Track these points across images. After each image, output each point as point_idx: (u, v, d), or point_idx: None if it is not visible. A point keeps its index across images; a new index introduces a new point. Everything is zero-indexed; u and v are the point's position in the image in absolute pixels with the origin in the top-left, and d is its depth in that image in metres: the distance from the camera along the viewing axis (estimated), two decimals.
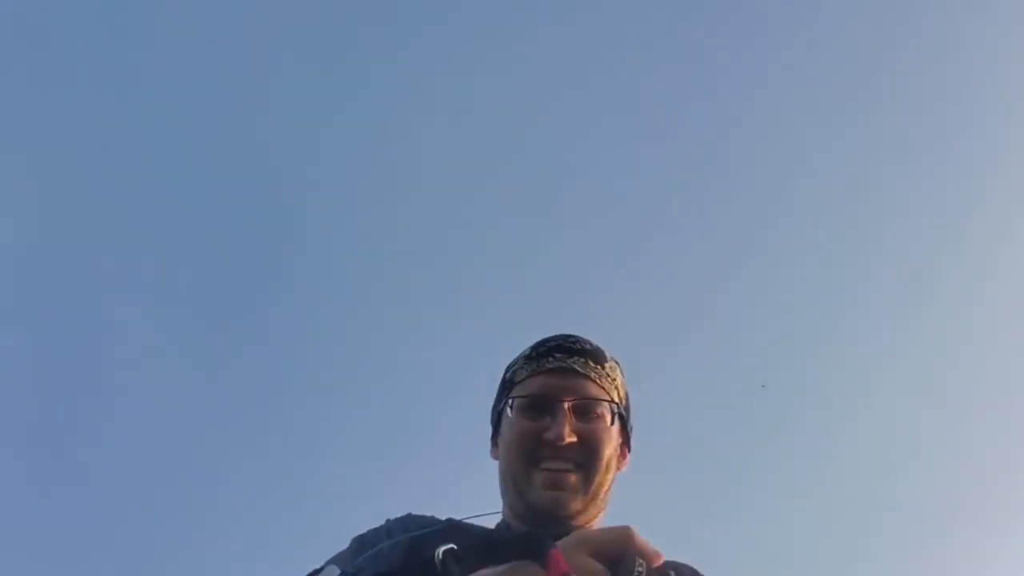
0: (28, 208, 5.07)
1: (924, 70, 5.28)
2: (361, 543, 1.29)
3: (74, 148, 5.15)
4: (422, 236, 5.34)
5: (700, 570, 1.25)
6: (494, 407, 1.45)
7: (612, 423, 1.35)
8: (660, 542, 0.92)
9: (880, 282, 5.25)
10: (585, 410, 1.33)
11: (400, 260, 5.34)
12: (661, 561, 0.90)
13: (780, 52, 5.33)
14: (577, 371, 1.36)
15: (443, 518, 1.32)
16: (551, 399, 1.33)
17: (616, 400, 1.38)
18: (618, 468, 1.39)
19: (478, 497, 1.43)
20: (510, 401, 1.36)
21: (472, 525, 1.32)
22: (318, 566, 1.25)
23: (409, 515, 1.33)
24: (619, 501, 1.39)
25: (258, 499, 4.82)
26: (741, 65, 5.32)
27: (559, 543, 0.90)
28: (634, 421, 1.45)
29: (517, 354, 1.45)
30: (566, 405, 1.32)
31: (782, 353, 5.12)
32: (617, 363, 1.44)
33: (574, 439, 1.29)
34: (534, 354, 1.40)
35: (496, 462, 1.40)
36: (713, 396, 4.90)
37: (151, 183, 5.24)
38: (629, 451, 1.44)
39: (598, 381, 1.37)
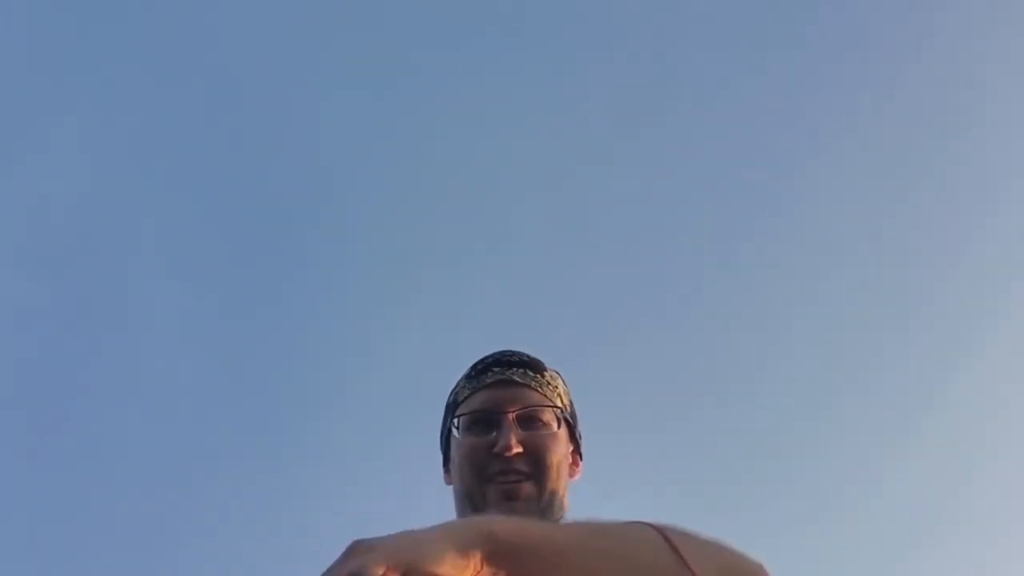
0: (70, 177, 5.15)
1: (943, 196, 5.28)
2: None
3: (123, 129, 5.31)
4: (449, 243, 5.37)
5: None
6: (441, 432, 1.46)
7: (558, 428, 1.36)
8: None
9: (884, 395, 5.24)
10: (529, 419, 1.34)
11: (420, 264, 5.35)
12: None
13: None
14: (517, 382, 1.37)
15: None
16: (495, 412, 1.34)
17: (560, 406, 1.39)
18: (571, 476, 1.39)
19: None
20: (455, 421, 1.38)
21: None
22: None
23: None
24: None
25: (254, 491, 4.83)
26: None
27: None
28: (582, 428, 1.46)
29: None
30: (510, 416, 1.32)
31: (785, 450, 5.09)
32: (558, 373, 1.45)
33: (521, 449, 1.30)
34: (474, 372, 1.41)
35: (451, 488, 1.40)
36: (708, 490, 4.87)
37: (190, 171, 5.35)
38: (581, 459, 1.44)
39: (539, 389, 1.38)
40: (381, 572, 0.79)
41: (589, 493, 1.43)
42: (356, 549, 0.83)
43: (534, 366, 1.40)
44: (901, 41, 5.42)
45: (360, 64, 5.43)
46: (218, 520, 4.71)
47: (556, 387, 1.41)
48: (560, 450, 1.35)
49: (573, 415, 1.44)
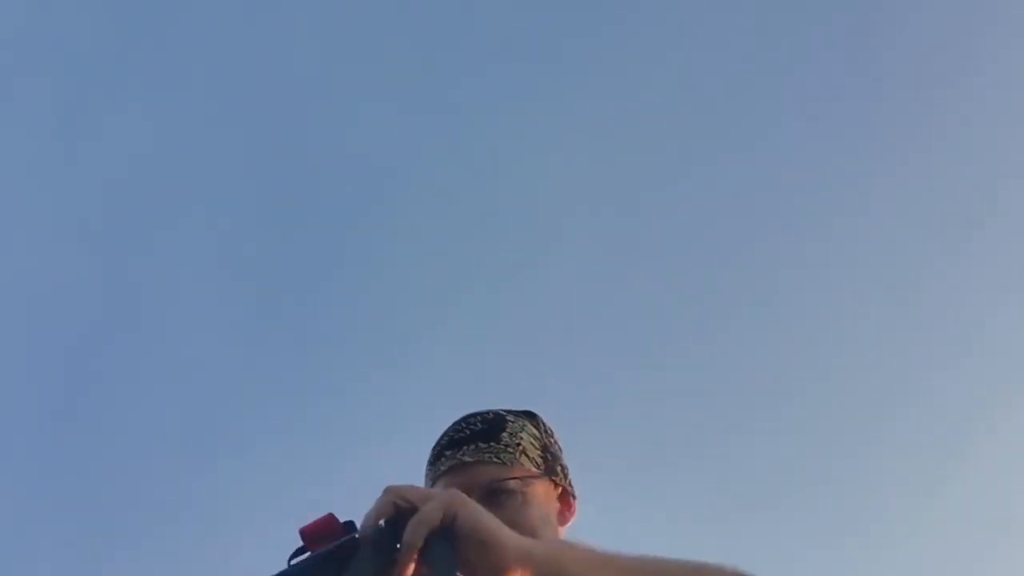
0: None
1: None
2: None
3: (182, 111, 5.38)
4: (493, 259, 5.34)
5: None
6: None
7: (527, 489, 1.29)
8: None
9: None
10: (491, 498, 1.26)
11: (460, 277, 5.32)
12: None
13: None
14: (469, 462, 1.30)
15: None
16: None
17: (525, 467, 1.31)
18: (563, 523, 1.34)
19: None
20: None
21: None
22: None
23: None
24: None
25: None
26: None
27: None
28: (564, 462, 1.39)
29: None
30: None
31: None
32: (527, 417, 1.39)
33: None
34: (432, 458, 1.36)
35: None
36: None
37: (247, 159, 5.41)
38: (574, 498, 1.38)
39: (495, 459, 1.30)
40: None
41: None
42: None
43: (486, 435, 1.32)
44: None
45: (423, 70, 5.44)
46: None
47: (519, 443, 1.33)
48: (534, 513, 1.28)
49: (549, 459, 1.36)
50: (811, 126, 5.27)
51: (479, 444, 1.31)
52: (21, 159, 5.24)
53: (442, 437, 1.36)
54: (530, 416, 1.40)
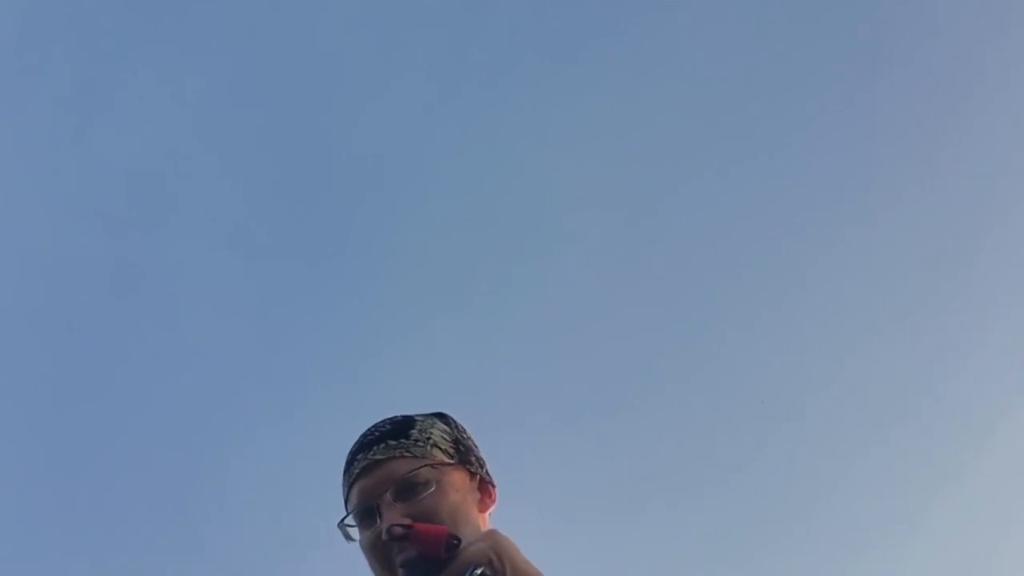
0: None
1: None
2: None
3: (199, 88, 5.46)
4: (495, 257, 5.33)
5: None
6: None
7: (442, 478, 1.32)
8: None
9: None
10: (406, 491, 1.30)
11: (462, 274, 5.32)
12: None
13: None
14: (380, 459, 1.33)
15: None
16: (369, 502, 1.32)
17: (435, 457, 1.34)
18: (483, 509, 1.37)
19: None
20: (347, 522, 1.36)
21: None
22: None
23: None
24: None
25: None
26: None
27: None
28: (480, 454, 1.42)
29: None
30: (385, 499, 1.30)
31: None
32: (437, 416, 1.42)
33: (407, 522, 1.26)
34: (345, 466, 1.39)
35: None
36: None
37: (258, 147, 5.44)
38: (494, 486, 1.40)
39: (406, 453, 1.33)
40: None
41: None
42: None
43: (396, 432, 1.36)
44: None
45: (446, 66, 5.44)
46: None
47: (429, 437, 1.36)
48: (448, 501, 1.30)
49: (463, 450, 1.39)
50: (824, 132, 5.27)
51: (389, 442, 1.34)
52: (35, 139, 5.26)
53: (353, 446, 1.39)
54: (440, 416, 1.43)
